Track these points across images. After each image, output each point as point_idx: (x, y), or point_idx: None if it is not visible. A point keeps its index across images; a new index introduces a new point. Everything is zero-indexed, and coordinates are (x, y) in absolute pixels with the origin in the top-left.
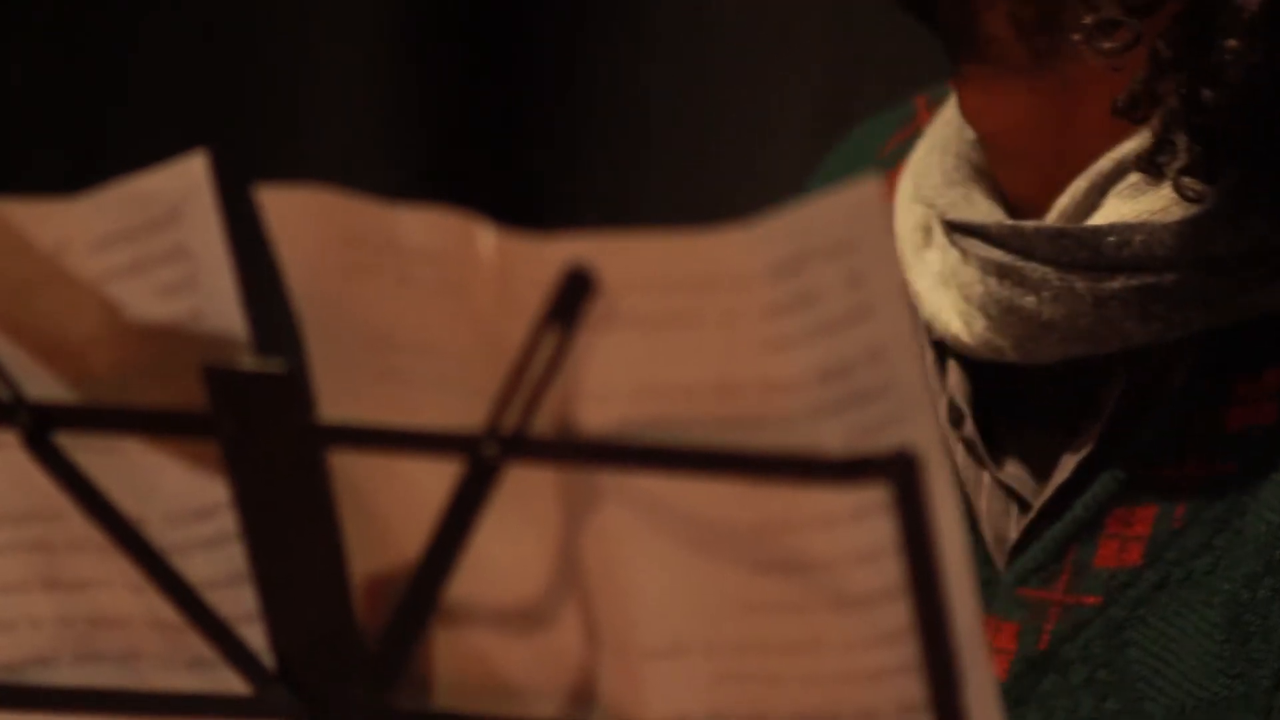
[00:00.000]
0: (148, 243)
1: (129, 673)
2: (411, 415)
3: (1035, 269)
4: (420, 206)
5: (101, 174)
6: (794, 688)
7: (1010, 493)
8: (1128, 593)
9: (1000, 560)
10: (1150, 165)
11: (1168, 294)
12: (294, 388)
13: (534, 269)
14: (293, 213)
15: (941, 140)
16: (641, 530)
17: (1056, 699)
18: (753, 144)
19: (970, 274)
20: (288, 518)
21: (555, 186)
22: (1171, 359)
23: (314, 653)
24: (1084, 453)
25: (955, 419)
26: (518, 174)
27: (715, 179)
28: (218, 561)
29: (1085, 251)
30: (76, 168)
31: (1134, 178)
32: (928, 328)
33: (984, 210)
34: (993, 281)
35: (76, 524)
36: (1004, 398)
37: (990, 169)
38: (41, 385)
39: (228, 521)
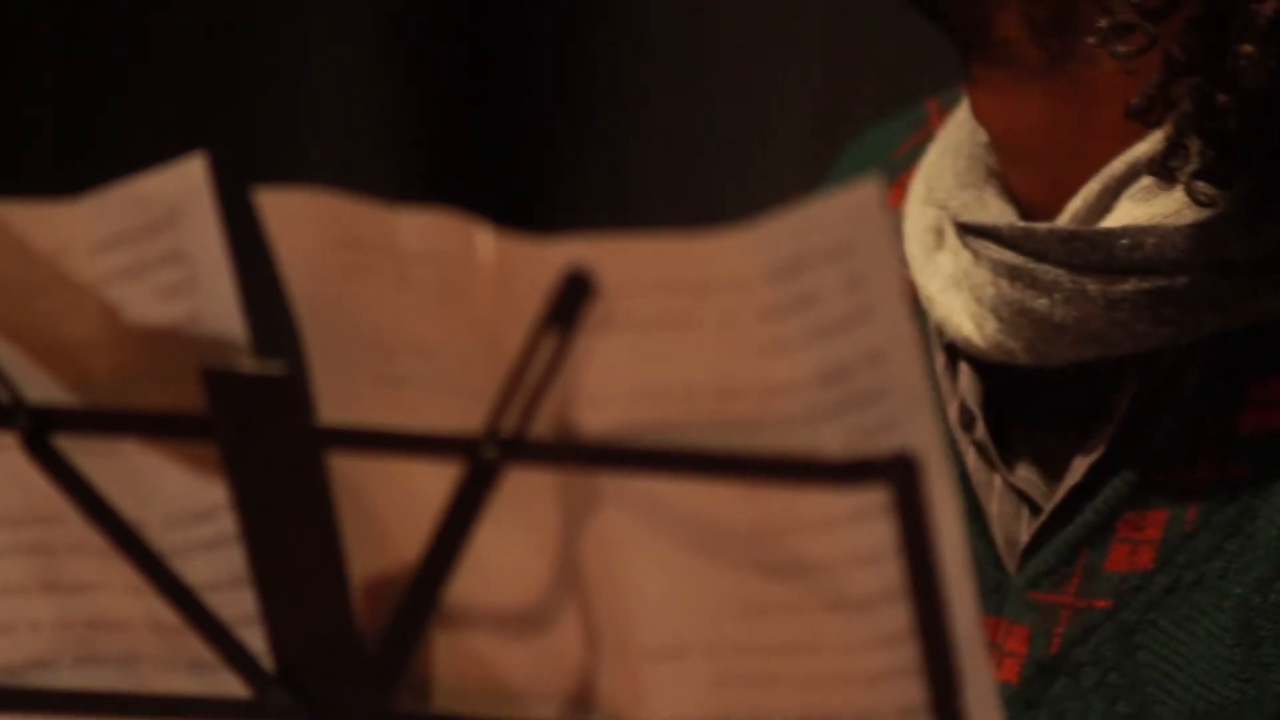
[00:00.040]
0: (147, 245)
1: (129, 675)
2: (411, 417)
3: (1047, 271)
4: (419, 208)
5: (100, 175)
6: (794, 690)
7: (1021, 496)
8: (1139, 596)
9: (1011, 563)
10: (1163, 169)
11: (1179, 297)
12: (293, 390)
13: (533, 271)
14: (291, 215)
15: (954, 143)
16: (641, 532)
17: (1067, 702)
18: (753, 144)
19: (982, 276)
20: (287, 520)
21: (554, 187)
22: (1184, 362)
23: (314, 655)
24: (1095, 456)
25: (967, 422)
26: (517, 175)
27: (715, 179)
28: (217, 564)
29: (1097, 254)
30: (76, 169)
31: (1146, 181)
32: (940, 330)
33: (996, 212)
34: (1005, 283)
35: (76, 526)
36: (1016, 400)
37: (1002, 171)
38: (41, 388)
39: (227, 524)
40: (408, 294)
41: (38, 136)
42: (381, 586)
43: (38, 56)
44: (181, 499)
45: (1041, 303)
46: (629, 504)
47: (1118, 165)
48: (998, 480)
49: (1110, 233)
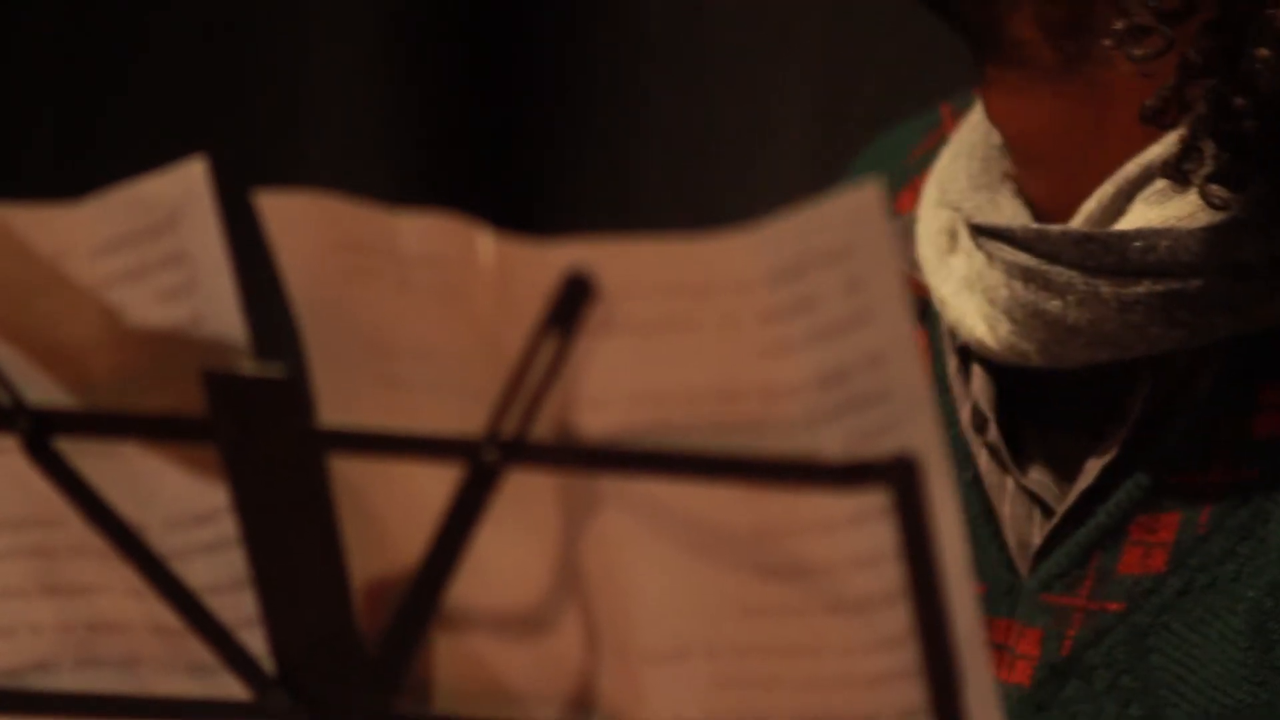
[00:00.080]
0: (147, 248)
1: (129, 678)
2: (411, 420)
3: (1061, 273)
4: (420, 211)
5: (100, 176)
6: (794, 692)
7: (1034, 498)
8: (1151, 599)
9: (1023, 566)
10: (1177, 172)
11: (1193, 300)
12: (293, 392)
13: (533, 274)
14: (292, 218)
15: (968, 145)
16: (641, 535)
17: (1079, 705)
18: (753, 144)
19: (996, 277)
20: (288, 522)
21: (554, 187)
22: (1197, 365)
23: (314, 657)
24: (1108, 458)
25: (979, 424)
26: (517, 175)
27: (715, 179)
28: (218, 566)
29: (1111, 256)
30: (76, 169)
31: (1160, 184)
32: (953, 333)
33: (1010, 214)
34: (1018, 285)
35: (76, 529)
36: (1028, 403)
37: (1015, 173)
38: (41, 390)
39: (228, 526)
40: (408, 296)
41: (38, 136)
42: (382, 588)
43: (38, 56)
44: (182, 501)
45: (1055, 304)
46: (629, 506)
47: (1131, 168)
48: (1010, 483)
49: (1124, 235)
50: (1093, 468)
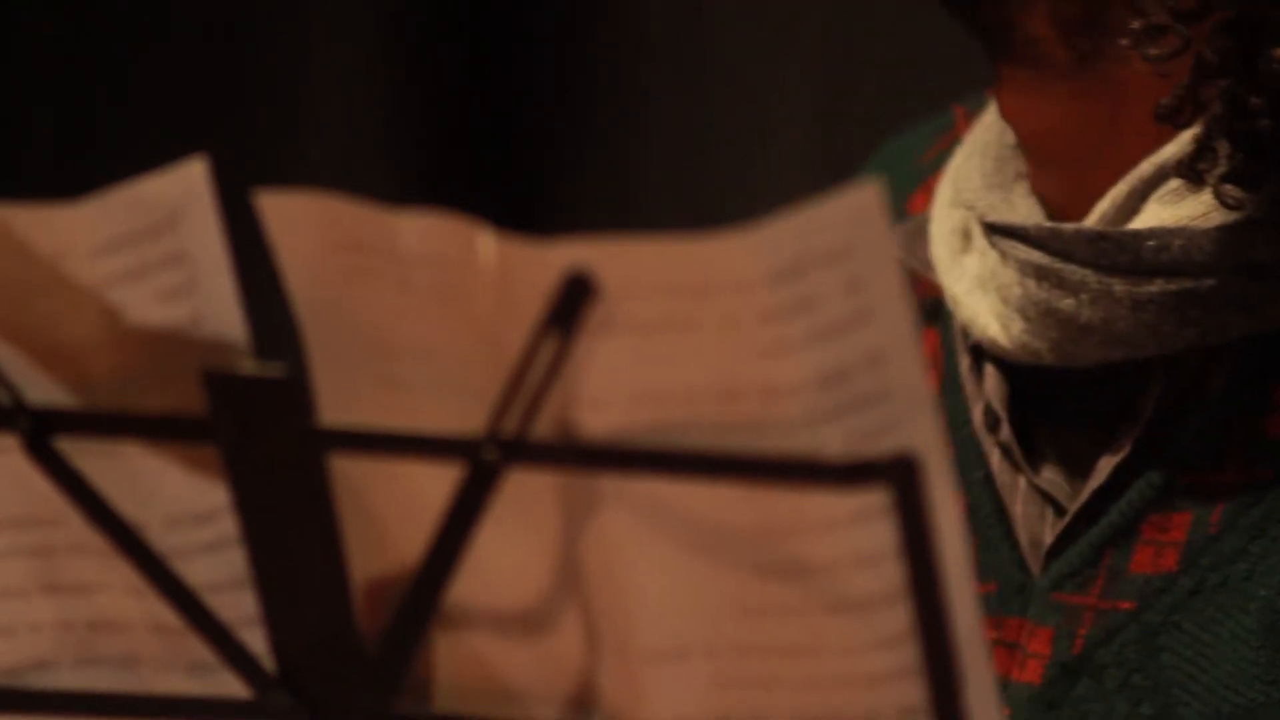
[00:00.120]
0: (148, 248)
1: (129, 677)
2: (411, 419)
3: (1074, 271)
4: (420, 211)
5: (100, 176)
6: (794, 691)
7: (1046, 497)
8: (1163, 598)
9: (1035, 565)
10: (1191, 172)
11: (1206, 299)
12: (294, 392)
13: (534, 273)
14: (292, 218)
15: (981, 144)
16: (642, 534)
17: (1090, 704)
18: (753, 144)
19: (1009, 276)
20: (288, 522)
21: (554, 187)
22: (1210, 364)
23: (314, 657)
24: (1120, 457)
25: (992, 423)
26: (517, 175)
27: (715, 179)
28: (218, 566)
29: (1125, 255)
30: (76, 169)
31: (1174, 183)
32: (965, 332)
33: (1024, 212)
34: (1031, 283)
35: (77, 528)
36: (1041, 401)
37: (1029, 173)
38: (42, 390)
39: (228, 526)
40: (408, 296)
41: (38, 136)
42: (382, 588)
43: (38, 56)
44: (182, 500)
45: (1068, 303)
46: (630, 506)
47: (1146, 167)
48: (1022, 481)
49: (1137, 234)
50: (1105, 467)
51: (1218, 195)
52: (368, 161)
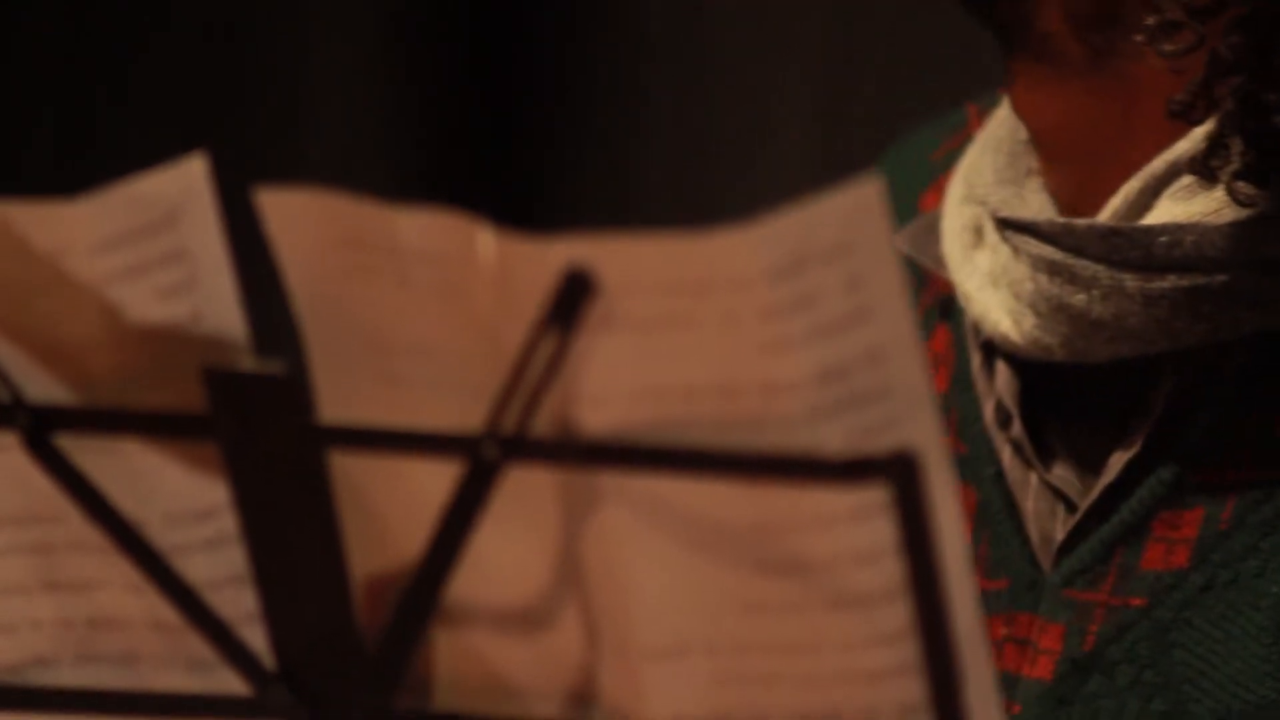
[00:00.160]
0: (147, 245)
1: (129, 674)
2: (411, 416)
3: (1086, 267)
4: (420, 208)
5: (100, 175)
6: (794, 688)
7: (1057, 493)
8: (1173, 595)
9: (1046, 561)
10: (1204, 168)
11: (1218, 295)
12: (293, 389)
13: (534, 270)
14: (292, 214)
15: (994, 140)
16: (641, 531)
17: (1101, 700)
18: (753, 144)
19: (1021, 271)
20: (288, 519)
21: (554, 187)
22: (1222, 360)
23: (314, 654)
24: (1132, 453)
25: (1003, 420)
26: (517, 175)
27: (715, 179)
28: (218, 563)
29: (1136, 251)
30: (76, 169)
31: (1187, 180)
32: (976, 328)
33: (1036, 208)
34: (1043, 279)
35: (77, 525)
36: (1052, 398)
37: (1042, 169)
38: (42, 387)
39: (228, 523)
40: (408, 293)
41: (38, 136)
42: (382, 585)
43: (38, 56)
44: (182, 498)
45: (1080, 298)
46: (629, 502)
47: (1158, 164)
48: (1034, 478)
49: (1150, 229)
50: (1116, 463)
51: (1230, 192)
52: (368, 161)
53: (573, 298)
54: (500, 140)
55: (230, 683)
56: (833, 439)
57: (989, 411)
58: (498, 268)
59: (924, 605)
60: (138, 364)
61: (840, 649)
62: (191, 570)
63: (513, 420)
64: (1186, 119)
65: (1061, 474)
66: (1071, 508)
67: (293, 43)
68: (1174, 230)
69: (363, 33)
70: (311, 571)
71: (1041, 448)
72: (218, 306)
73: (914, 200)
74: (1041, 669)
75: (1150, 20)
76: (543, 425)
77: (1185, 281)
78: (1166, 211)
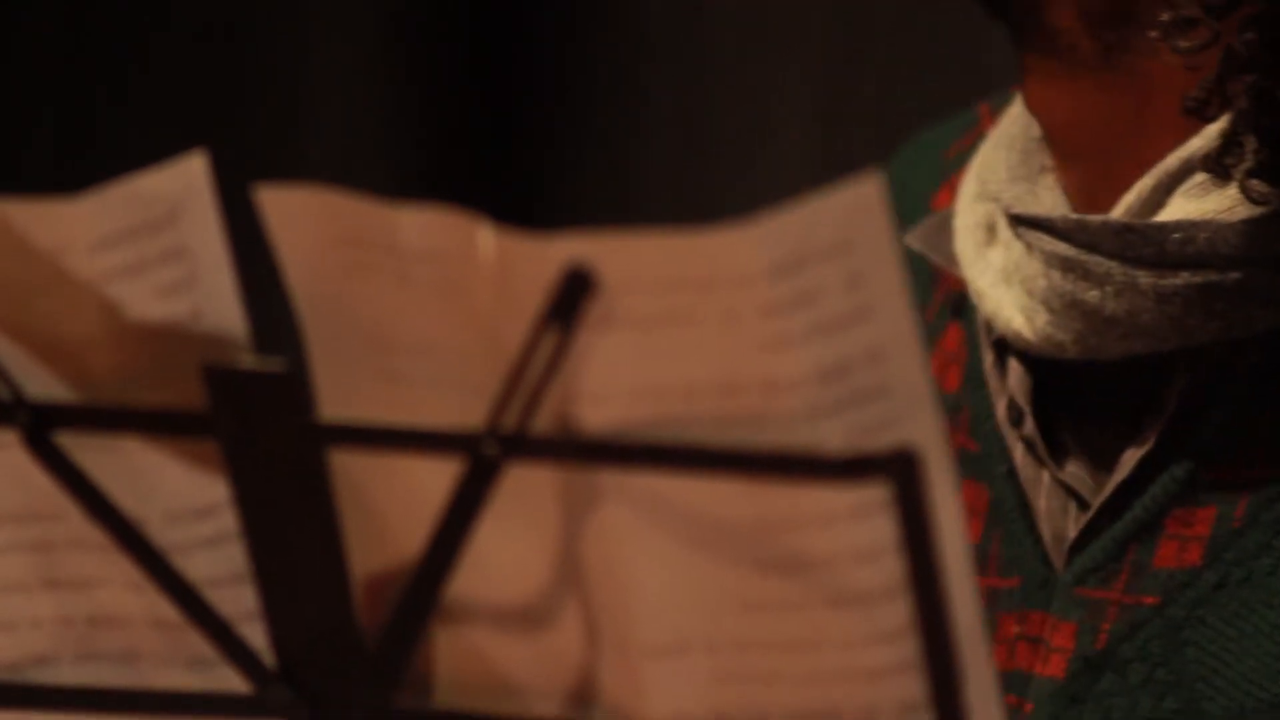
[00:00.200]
0: (147, 243)
1: (129, 672)
2: (411, 414)
3: (1099, 263)
4: (420, 206)
5: (100, 175)
6: (794, 686)
7: (1069, 491)
8: (1186, 593)
9: (1059, 559)
10: (1217, 166)
11: (1231, 292)
12: (294, 387)
13: (534, 268)
14: (292, 212)
15: (1007, 137)
16: (642, 529)
17: (1114, 698)
18: (753, 144)
19: (1034, 267)
20: (288, 517)
21: (554, 187)
22: (1235, 357)
23: (314, 651)
24: (1144, 451)
25: (1015, 418)
26: (517, 175)
27: (715, 179)
28: (218, 560)
29: (1150, 247)
30: (76, 169)
31: (1200, 177)
32: (988, 326)
33: (1049, 204)
34: (1056, 275)
35: (77, 523)
36: (1064, 395)
37: (1055, 166)
38: (42, 385)
39: (228, 520)
40: (408, 291)
41: (38, 136)
42: (382, 583)
43: (38, 56)
44: (182, 495)
45: (1093, 295)
46: (630, 500)
47: (1172, 161)
48: (1046, 476)
49: (1163, 226)
50: (1129, 461)
51: (1244, 190)
52: (368, 160)
53: (573, 295)
54: (500, 139)
55: (230, 681)
56: (833, 437)
57: (1001, 409)
58: (498, 266)
59: (924, 603)
60: (138, 362)
61: (840, 647)
62: (192, 568)
63: (513, 418)
64: (1200, 116)
65: (1074, 472)
66: (1084, 506)
67: (293, 43)
68: (1187, 227)
69: (363, 33)
70: (312, 569)
71: (1054, 445)
72: (218, 304)
73: (926, 198)
74: (1054, 667)
75: (1164, 16)
76: (543, 423)
77: (1198, 279)
78: (1180, 208)
